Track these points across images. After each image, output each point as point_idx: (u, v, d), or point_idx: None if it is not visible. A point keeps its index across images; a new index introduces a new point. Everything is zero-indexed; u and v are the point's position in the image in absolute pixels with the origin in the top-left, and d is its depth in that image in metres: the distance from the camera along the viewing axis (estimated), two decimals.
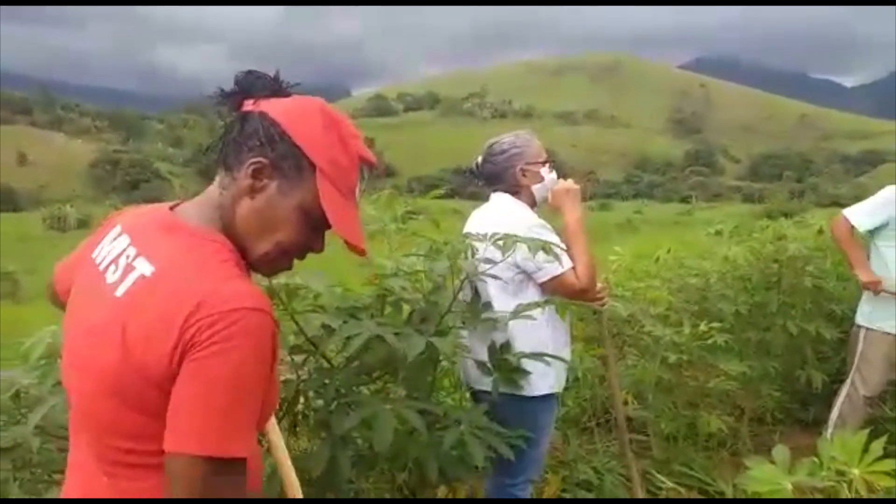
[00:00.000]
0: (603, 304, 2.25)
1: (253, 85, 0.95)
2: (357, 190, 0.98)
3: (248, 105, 0.94)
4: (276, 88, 0.96)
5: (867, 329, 3.08)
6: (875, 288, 2.99)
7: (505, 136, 2.19)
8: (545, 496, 2.65)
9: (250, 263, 0.96)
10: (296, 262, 1.00)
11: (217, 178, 0.96)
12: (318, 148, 0.93)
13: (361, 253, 0.99)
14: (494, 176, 2.15)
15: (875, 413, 3.42)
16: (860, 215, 3.02)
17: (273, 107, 0.93)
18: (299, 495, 1.17)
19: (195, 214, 0.94)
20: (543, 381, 2.00)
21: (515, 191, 2.14)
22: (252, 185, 0.91)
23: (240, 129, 0.93)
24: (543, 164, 2.14)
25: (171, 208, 0.97)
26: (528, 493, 2.16)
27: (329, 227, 0.95)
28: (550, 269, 1.97)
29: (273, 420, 1.18)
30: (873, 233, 3.04)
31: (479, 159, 2.18)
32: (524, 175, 2.11)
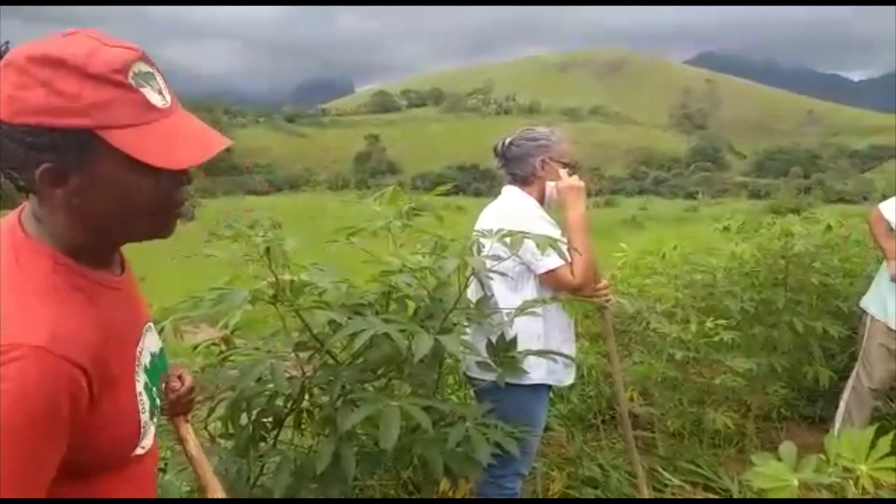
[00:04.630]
0: (607, 301, 2.25)
1: None
2: (154, 93, 0.77)
3: None
4: None
5: (872, 318, 3.15)
6: None
7: (541, 127, 2.24)
8: (550, 494, 2.65)
9: (143, 239, 0.83)
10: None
11: (29, 203, 0.80)
12: (68, 110, 0.71)
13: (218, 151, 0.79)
14: (515, 159, 2.18)
15: (883, 410, 3.42)
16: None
17: None
18: (220, 495, 1.11)
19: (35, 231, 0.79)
20: (534, 371, 2.01)
21: (529, 181, 2.16)
22: (66, 197, 0.76)
23: None
24: (566, 165, 2.15)
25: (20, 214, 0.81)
26: (517, 487, 2.16)
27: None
28: (547, 262, 1.99)
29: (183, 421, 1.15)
30: None
31: (508, 140, 2.21)
32: (543, 168, 2.14)
